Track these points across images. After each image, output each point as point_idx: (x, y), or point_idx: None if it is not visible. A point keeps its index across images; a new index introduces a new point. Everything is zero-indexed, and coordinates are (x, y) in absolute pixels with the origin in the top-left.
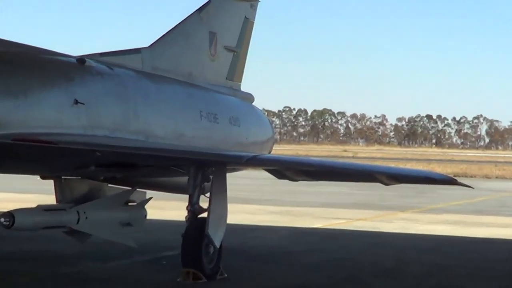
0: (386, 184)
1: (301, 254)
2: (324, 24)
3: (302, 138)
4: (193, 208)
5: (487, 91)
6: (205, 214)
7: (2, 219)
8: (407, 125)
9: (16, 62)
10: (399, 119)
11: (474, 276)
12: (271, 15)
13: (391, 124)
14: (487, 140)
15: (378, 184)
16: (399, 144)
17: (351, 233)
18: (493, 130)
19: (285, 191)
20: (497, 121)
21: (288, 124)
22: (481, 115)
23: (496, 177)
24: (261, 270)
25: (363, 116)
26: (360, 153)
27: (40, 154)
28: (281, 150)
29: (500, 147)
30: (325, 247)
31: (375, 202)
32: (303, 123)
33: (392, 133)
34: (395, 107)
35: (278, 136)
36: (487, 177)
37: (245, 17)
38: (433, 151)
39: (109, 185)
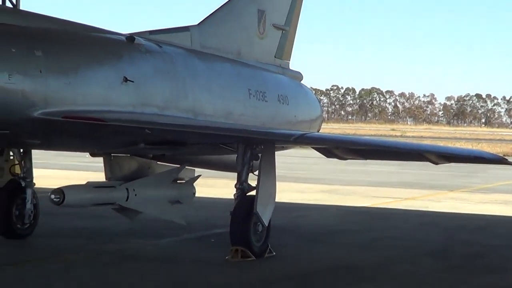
0: (436, 163)
1: (350, 233)
2: (373, 2)
3: (349, 117)
4: (242, 186)
5: None
6: (253, 192)
7: (53, 196)
8: (456, 104)
9: (66, 40)
10: (448, 98)
11: None
12: None
13: (439, 103)
14: None
15: (427, 163)
16: (448, 123)
17: (400, 212)
18: None
19: (333, 169)
20: None
21: (336, 103)
22: None
23: None
24: (310, 249)
25: (411, 95)
26: (408, 132)
27: (90, 131)
28: (329, 128)
29: None
30: (374, 227)
31: (424, 181)
32: (351, 101)
33: (441, 112)
34: (444, 86)
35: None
36: None
37: None
38: (482, 131)
39: (158, 162)
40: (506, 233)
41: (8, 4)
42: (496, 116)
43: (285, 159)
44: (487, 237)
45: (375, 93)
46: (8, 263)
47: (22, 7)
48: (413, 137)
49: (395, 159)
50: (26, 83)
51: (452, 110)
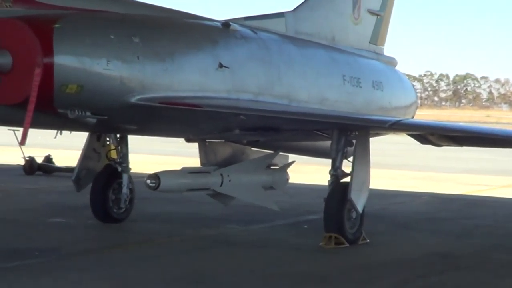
0: None
1: (444, 220)
2: None
3: (443, 103)
4: (336, 173)
5: None
6: (347, 179)
7: (149, 181)
8: None
9: (162, 27)
10: None
11: None
12: None
13: None
14: None
15: None
16: None
17: (495, 200)
18: None
19: (426, 156)
20: None
21: (429, 89)
22: None
23: None
24: (404, 237)
25: (507, 81)
26: (503, 119)
27: (186, 117)
28: (422, 115)
29: None
30: (469, 214)
31: None
32: (444, 87)
33: None
34: None
35: (419, 101)
36: None
37: None
38: None
39: (252, 148)
40: None
41: None
42: None
43: (378, 145)
44: None
45: (469, 79)
46: (103, 247)
47: None
48: (509, 123)
49: (492, 146)
50: (124, 69)
51: None
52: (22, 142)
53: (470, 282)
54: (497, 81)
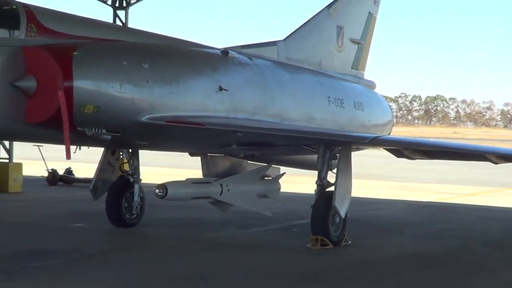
0: (495, 163)
1: (418, 225)
2: (436, 16)
3: (416, 121)
4: (322, 183)
5: None
6: (332, 188)
7: (157, 190)
8: None
9: (169, 54)
10: (506, 104)
11: None
12: (391, 10)
13: (498, 109)
14: None
15: (487, 163)
16: (505, 127)
17: (462, 206)
18: None
19: (401, 168)
20: None
21: (403, 109)
22: None
23: None
24: (382, 239)
25: (472, 102)
26: (469, 135)
27: (190, 134)
28: (397, 131)
29: None
30: (438, 219)
31: (484, 179)
32: (417, 107)
33: (498, 117)
34: (503, 93)
35: (395, 120)
36: None
37: (369, 12)
38: None
39: (248, 161)
40: None
41: (118, 22)
42: None
43: (359, 158)
44: None
45: (439, 100)
46: (117, 248)
47: (130, 24)
48: (473, 139)
49: (459, 159)
50: (135, 92)
51: (509, 115)
52: (68, 157)
53: (439, 278)
54: (463, 101)
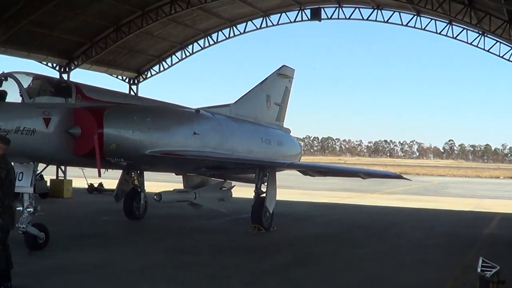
0: (364, 178)
1: (317, 216)
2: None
3: (315, 153)
4: (258, 191)
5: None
6: (264, 195)
7: (155, 197)
8: (374, 145)
9: (163, 112)
10: (369, 142)
11: (414, 227)
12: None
13: (365, 145)
14: (417, 154)
15: (358, 178)
16: (369, 156)
17: (343, 205)
18: (420, 149)
19: (307, 181)
20: (422, 143)
21: (308, 145)
22: (414, 140)
23: (423, 174)
24: (295, 225)
25: (349, 140)
26: (349, 161)
27: (176, 161)
28: (304, 159)
29: (424, 158)
30: (329, 212)
31: (357, 188)
32: (316, 144)
33: (365, 150)
34: (369, 134)
35: (303, 152)
36: (417, 174)
37: (286, 86)
38: (388, 161)
39: (212, 178)
40: (402, 216)
41: (132, 92)
42: (395, 151)
43: (281, 175)
44: (392, 219)
45: (330, 140)
46: (130, 232)
47: (139, 94)
48: (351, 163)
49: (342, 176)
50: (142, 135)
51: (371, 148)
52: (99, 175)
53: (333, 249)
54: (344, 140)
